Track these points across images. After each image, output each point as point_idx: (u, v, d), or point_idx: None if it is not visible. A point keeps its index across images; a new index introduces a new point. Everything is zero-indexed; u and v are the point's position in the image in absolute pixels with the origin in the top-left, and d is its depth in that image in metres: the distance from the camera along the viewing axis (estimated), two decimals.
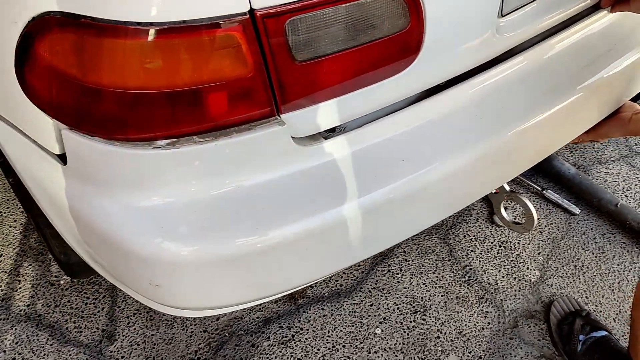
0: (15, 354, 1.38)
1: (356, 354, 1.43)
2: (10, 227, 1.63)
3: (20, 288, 1.50)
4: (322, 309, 1.52)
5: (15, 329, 1.42)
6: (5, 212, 1.66)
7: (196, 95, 0.71)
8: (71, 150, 0.78)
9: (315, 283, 1.56)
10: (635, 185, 1.89)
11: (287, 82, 0.75)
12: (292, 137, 0.82)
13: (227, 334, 1.45)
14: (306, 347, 1.44)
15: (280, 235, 0.84)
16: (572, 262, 1.67)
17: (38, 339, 1.41)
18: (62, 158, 0.83)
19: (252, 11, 0.67)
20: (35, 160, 0.87)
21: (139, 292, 0.93)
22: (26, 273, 1.53)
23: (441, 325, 1.50)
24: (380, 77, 0.84)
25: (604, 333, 1.41)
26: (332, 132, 0.89)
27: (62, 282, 1.52)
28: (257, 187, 0.82)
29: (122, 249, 0.82)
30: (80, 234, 0.90)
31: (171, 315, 1.47)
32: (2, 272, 1.53)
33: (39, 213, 1.08)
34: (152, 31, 0.64)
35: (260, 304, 1.51)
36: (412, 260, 1.64)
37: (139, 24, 0.64)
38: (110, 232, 0.82)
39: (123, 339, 1.43)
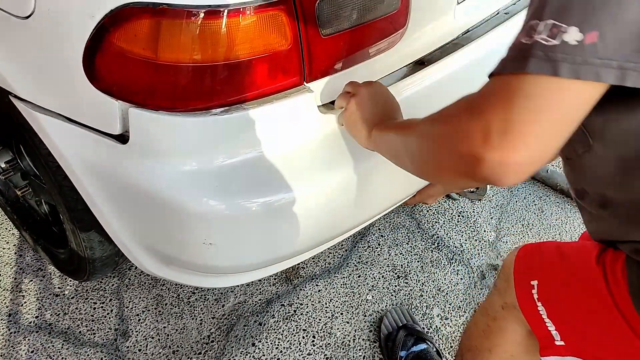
0: None
1: (354, 318, 1.59)
2: (3, 249, 1.66)
3: (25, 302, 1.54)
4: (316, 285, 1.67)
5: (28, 339, 1.46)
6: None
7: (248, 66, 0.88)
8: (136, 127, 0.91)
9: (306, 264, 1.72)
10: None
11: (315, 54, 0.93)
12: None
13: (234, 317, 1.57)
14: (308, 318, 1.58)
15: (317, 186, 1.00)
16: (520, 222, 1.94)
17: (53, 345, 1.46)
18: (120, 138, 0.95)
19: None
20: (91, 146, 0.98)
21: (191, 258, 1.04)
22: (28, 288, 1.57)
23: (422, 285, 1.70)
24: (381, 49, 1.04)
25: (424, 346, 1.43)
26: None
27: (66, 292, 1.58)
28: (295, 148, 0.99)
29: (182, 211, 0.96)
30: (135, 210, 1.02)
31: (179, 308, 1.57)
32: (4, 290, 1.56)
33: (71, 207, 1.17)
34: (219, 12, 0.81)
35: (259, 287, 1.64)
36: (387, 235, 1.84)
37: (209, 6, 0.80)
38: (171, 197, 0.95)
39: (137, 334, 1.50)
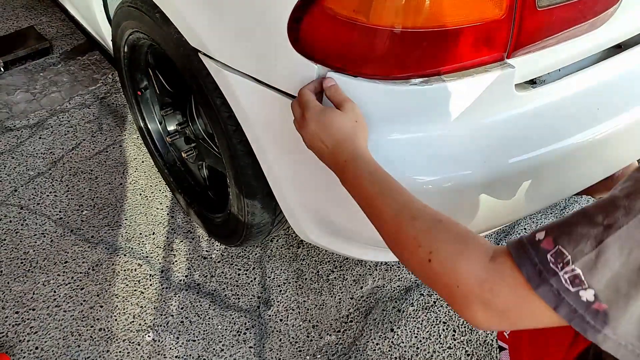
0: (182, 318, 1.49)
1: None
2: (157, 209, 1.76)
3: (176, 261, 1.62)
4: None
5: (178, 296, 1.54)
6: (150, 196, 1.79)
7: (457, 35, 0.84)
8: None
9: None
10: None
11: (525, 27, 0.87)
12: None
13: (372, 301, 1.55)
14: (449, 311, 1.53)
15: (502, 170, 0.95)
16: None
17: (201, 305, 1.52)
18: None
19: None
20: (277, 110, 0.99)
21: (365, 229, 1.02)
22: (179, 248, 1.65)
23: None
24: (584, 29, 0.96)
25: None
26: (533, 84, 1.01)
27: (213, 256, 1.64)
28: (486, 125, 0.94)
29: None
30: (312, 176, 1.03)
31: (318, 284, 1.58)
32: (158, 247, 1.65)
33: (241, 171, 1.20)
34: None
35: (397, 274, 1.61)
36: None
37: None
38: None
39: (278, 305, 1.53)
